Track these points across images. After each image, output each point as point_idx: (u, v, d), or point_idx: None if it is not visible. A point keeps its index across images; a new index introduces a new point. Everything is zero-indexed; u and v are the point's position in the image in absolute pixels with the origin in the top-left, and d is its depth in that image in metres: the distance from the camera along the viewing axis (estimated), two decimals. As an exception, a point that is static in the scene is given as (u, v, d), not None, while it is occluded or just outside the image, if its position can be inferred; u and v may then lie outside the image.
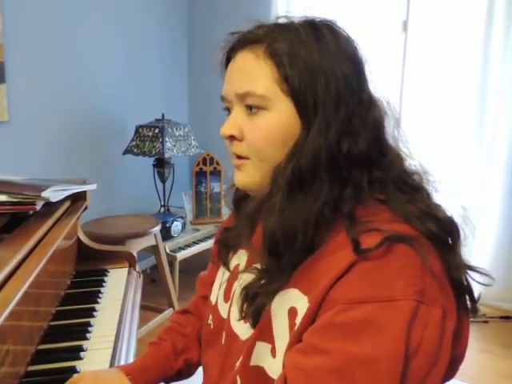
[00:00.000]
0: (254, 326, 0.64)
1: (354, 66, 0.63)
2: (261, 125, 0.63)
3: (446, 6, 2.69)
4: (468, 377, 2.09)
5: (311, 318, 0.56)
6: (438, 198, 0.65)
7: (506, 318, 2.65)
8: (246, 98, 0.63)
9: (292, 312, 0.59)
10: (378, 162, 0.62)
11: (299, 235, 0.59)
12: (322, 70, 0.60)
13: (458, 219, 0.62)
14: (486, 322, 2.61)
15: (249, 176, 0.66)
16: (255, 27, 0.65)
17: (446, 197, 0.65)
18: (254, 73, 0.62)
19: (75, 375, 0.78)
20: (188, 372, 0.87)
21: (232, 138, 0.66)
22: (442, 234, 0.57)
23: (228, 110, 0.68)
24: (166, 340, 0.86)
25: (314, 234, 0.59)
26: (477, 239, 2.73)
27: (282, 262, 0.61)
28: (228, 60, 0.68)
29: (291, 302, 0.59)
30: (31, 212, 1.11)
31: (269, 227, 0.61)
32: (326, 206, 0.59)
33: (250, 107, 0.63)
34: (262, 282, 0.63)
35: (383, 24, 2.83)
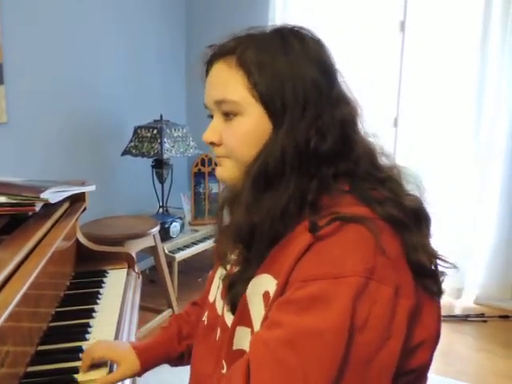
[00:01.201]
0: (232, 311, 0.69)
1: (322, 69, 0.67)
2: (235, 129, 0.68)
3: (443, 7, 2.69)
4: (467, 376, 2.10)
5: (278, 298, 0.60)
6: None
7: (505, 317, 2.65)
8: (221, 104, 0.69)
9: (266, 296, 0.63)
10: (346, 156, 0.66)
11: (265, 229, 0.64)
12: (288, 76, 0.65)
13: (428, 210, 0.66)
14: (484, 321, 2.62)
15: (227, 171, 0.72)
16: (228, 40, 0.70)
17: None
18: (228, 81, 0.68)
19: (91, 344, 0.91)
20: (189, 357, 0.91)
21: (212, 143, 0.72)
22: (401, 217, 0.61)
23: (211, 117, 0.73)
24: (173, 325, 0.95)
25: (279, 227, 0.64)
26: (475, 239, 2.74)
27: (251, 252, 0.67)
28: (207, 72, 0.74)
29: (264, 287, 0.63)
30: (30, 213, 1.11)
31: (236, 222, 0.67)
32: (291, 201, 0.64)
33: (226, 114, 0.69)
34: (238, 270, 0.69)
35: (381, 24, 2.84)
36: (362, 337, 0.53)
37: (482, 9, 2.56)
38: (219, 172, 0.74)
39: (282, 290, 0.60)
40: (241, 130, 0.68)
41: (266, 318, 0.61)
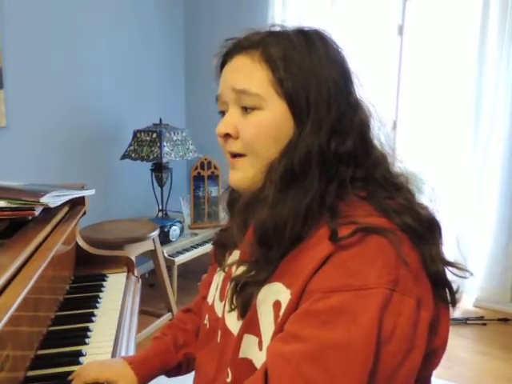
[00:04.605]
0: (242, 316, 0.66)
1: (342, 71, 0.68)
2: (255, 122, 0.66)
3: (441, 11, 2.71)
4: (466, 379, 2.10)
5: (293, 309, 0.58)
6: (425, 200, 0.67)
7: (504, 320, 2.65)
8: (241, 96, 0.66)
9: (276, 305, 0.61)
10: (363, 160, 0.66)
11: (288, 227, 0.62)
12: (313, 74, 0.64)
13: (439, 219, 0.64)
14: (484, 324, 2.62)
15: (243, 172, 0.69)
16: (250, 34, 0.69)
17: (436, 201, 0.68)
18: (251, 73, 0.66)
19: (81, 366, 0.84)
20: (187, 366, 0.90)
21: (227, 136, 0.69)
22: (418, 228, 0.60)
23: (223, 113, 0.71)
24: (168, 335, 0.91)
25: (301, 227, 0.62)
26: (474, 242, 2.74)
27: (271, 252, 0.64)
28: (223, 64, 0.71)
29: (275, 296, 0.62)
30: (30, 217, 1.11)
31: (261, 218, 0.65)
32: (314, 200, 0.62)
33: (245, 108, 0.67)
34: (251, 273, 0.66)
35: (379, 28, 2.85)
36: (388, 349, 0.52)
37: (480, 12, 2.57)
38: (234, 176, 0.70)
39: (297, 300, 0.58)
40: (260, 123, 0.66)
41: (278, 329, 0.59)
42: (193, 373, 0.85)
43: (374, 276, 0.54)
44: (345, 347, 0.52)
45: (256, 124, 0.66)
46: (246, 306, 0.66)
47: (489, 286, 2.75)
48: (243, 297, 0.66)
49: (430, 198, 0.68)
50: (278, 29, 0.69)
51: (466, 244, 2.73)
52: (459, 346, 2.38)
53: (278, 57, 0.65)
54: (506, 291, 2.74)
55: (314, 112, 0.64)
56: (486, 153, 2.68)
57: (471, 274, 0.65)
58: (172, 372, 0.90)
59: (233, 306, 0.67)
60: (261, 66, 0.65)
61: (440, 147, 2.81)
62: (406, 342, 0.53)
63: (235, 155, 0.69)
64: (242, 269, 0.68)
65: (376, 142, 0.69)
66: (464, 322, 2.61)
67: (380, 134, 0.70)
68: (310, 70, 0.64)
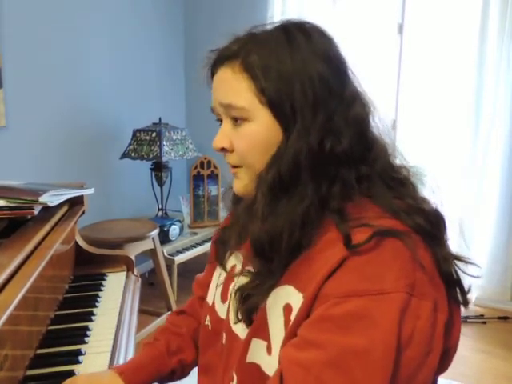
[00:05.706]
0: (248, 324, 0.65)
1: (331, 64, 0.64)
2: (244, 134, 0.66)
3: (441, 9, 2.71)
4: (466, 378, 2.10)
5: (305, 313, 0.57)
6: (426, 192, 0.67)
7: (504, 318, 2.66)
8: (229, 109, 0.66)
9: (287, 308, 0.60)
10: (364, 157, 0.64)
11: (285, 238, 0.61)
12: (296, 76, 0.62)
13: (443, 211, 0.63)
14: (484, 322, 2.62)
15: (244, 182, 0.69)
16: (231, 42, 0.68)
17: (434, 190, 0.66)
18: (233, 86, 0.65)
19: (68, 379, 0.79)
20: (182, 372, 0.87)
21: (223, 149, 0.69)
22: (429, 228, 0.59)
23: (220, 121, 0.71)
24: (161, 340, 0.87)
25: (300, 235, 0.61)
26: (474, 241, 2.74)
27: (272, 264, 0.63)
28: (213, 74, 0.71)
29: (286, 299, 0.61)
30: (29, 217, 1.11)
31: (254, 232, 0.63)
32: (311, 207, 0.61)
33: (235, 119, 0.66)
34: (255, 283, 0.65)
35: (379, 27, 2.85)
36: (407, 354, 0.52)
37: (479, 11, 2.57)
38: (236, 185, 0.70)
39: (310, 303, 0.57)
40: (250, 136, 0.65)
41: (290, 334, 0.58)
42: (195, 375, 0.83)
43: (392, 280, 0.53)
44: (366, 352, 0.51)
45: (246, 137, 0.65)
46: (250, 315, 0.64)
47: (489, 284, 2.75)
48: (247, 306, 0.65)
49: (432, 189, 0.67)
50: (257, 30, 0.67)
51: (466, 243, 2.72)
52: (459, 345, 2.38)
53: (257, 65, 0.63)
54: (506, 290, 2.74)
55: (301, 116, 0.62)
56: (485, 153, 2.68)
57: (479, 267, 0.64)
58: (165, 379, 0.86)
59: (239, 317, 0.66)
60: (242, 76, 0.64)
61: (440, 147, 2.81)
62: (425, 346, 0.53)
63: (234, 166, 0.69)
64: (245, 278, 0.67)
65: (376, 135, 0.67)
66: (464, 320, 2.61)
67: (379, 125, 0.68)
68: (291, 72, 0.62)
